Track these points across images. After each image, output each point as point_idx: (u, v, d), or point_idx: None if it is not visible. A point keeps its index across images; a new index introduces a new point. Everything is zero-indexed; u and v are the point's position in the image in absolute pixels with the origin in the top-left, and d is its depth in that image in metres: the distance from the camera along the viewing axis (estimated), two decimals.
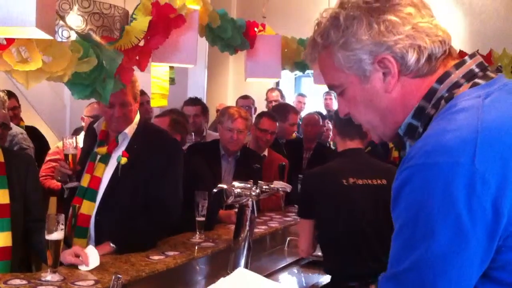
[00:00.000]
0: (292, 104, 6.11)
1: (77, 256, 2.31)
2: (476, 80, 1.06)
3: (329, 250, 2.72)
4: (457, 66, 1.09)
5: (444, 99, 1.06)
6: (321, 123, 5.27)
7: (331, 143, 6.29)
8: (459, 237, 0.91)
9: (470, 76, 1.07)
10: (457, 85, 1.07)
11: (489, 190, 0.90)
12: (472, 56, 1.11)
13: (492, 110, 0.98)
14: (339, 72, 1.14)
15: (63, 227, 2.21)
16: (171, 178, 2.75)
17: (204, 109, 4.86)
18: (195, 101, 4.77)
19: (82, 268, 2.29)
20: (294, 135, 5.41)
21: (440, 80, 1.08)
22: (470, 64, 1.09)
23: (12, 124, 3.93)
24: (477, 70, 1.08)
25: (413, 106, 1.10)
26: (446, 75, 1.08)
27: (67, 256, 2.30)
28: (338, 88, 1.17)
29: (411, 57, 1.07)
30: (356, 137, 2.71)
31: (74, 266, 2.31)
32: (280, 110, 4.97)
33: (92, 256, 2.32)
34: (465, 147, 0.93)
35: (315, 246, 2.78)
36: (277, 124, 4.24)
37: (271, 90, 6.48)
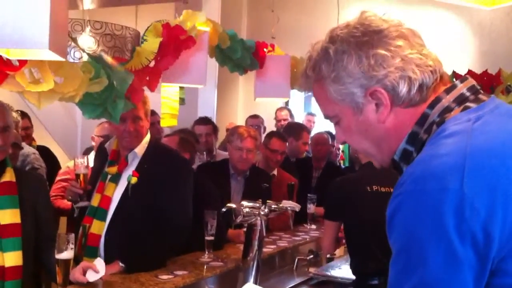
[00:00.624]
0: (301, 122, 6.14)
1: (85, 271, 2.32)
2: (467, 104, 1.07)
3: (354, 251, 2.91)
4: (448, 91, 1.09)
5: (435, 123, 1.07)
6: (330, 142, 5.28)
7: (341, 162, 6.30)
8: (451, 263, 0.91)
9: (461, 100, 1.08)
10: (448, 109, 1.07)
11: (478, 215, 0.90)
12: (463, 80, 1.12)
13: (481, 134, 0.99)
14: (332, 104, 1.15)
15: (73, 246, 2.23)
16: (180, 198, 2.76)
17: (215, 129, 4.89)
18: (206, 121, 4.80)
19: (90, 277, 2.30)
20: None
21: (432, 106, 1.09)
22: (461, 88, 1.10)
23: (24, 144, 3.97)
24: (468, 93, 1.09)
25: (406, 133, 1.11)
26: (437, 100, 1.09)
27: (76, 273, 2.31)
28: (333, 118, 1.19)
29: (402, 88, 1.08)
30: None
31: (83, 284, 2.32)
32: (294, 129, 5.02)
33: (99, 266, 2.33)
34: (453, 173, 0.93)
35: (336, 247, 3.10)
36: (287, 144, 4.26)
37: (280, 109, 6.51)
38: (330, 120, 1.21)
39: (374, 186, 2.84)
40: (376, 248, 2.69)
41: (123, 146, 2.81)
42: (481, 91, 1.11)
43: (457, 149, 0.96)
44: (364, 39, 1.09)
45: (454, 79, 1.17)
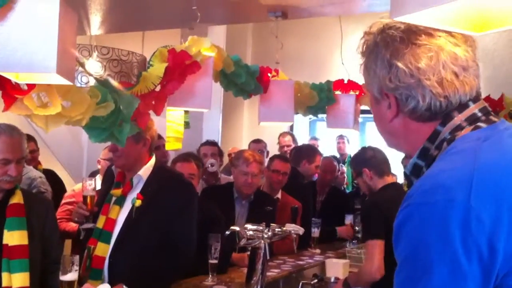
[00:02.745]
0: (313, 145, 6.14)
1: None
2: (478, 124, 1.10)
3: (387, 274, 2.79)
4: (460, 110, 1.12)
5: (446, 141, 1.10)
6: (337, 169, 5.29)
7: (345, 186, 6.29)
8: (456, 275, 0.92)
9: (472, 120, 1.11)
10: (459, 128, 1.10)
11: (484, 228, 0.92)
12: (475, 100, 1.14)
13: (489, 152, 1.01)
14: (369, 84, 1.23)
15: (77, 268, 2.24)
16: (185, 222, 2.77)
17: (220, 152, 4.93)
18: (212, 143, 4.84)
19: None
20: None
21: (443, 123, 1.12)
22: (473, 109, 1.12)
23: (30, 168, 4.01)
24: (479, 114, 1.12)
25: (418, 147, 1.15)
26: (449, 118, 1.12)
27: None
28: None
29: (409, 104, 1.13)
30: (390, 174, 3.02)
31: None
32: (309, 151, 5.08)
33: None
34: (461, 186, 0.95)
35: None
36: (289, 166, 4.28)
37: (283, 135, 6.52)
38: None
39: None
40: None
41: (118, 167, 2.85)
42: (492, 113, 1.14)
43: (465, 164, 0.99)
44: (397, 45, 1.13)
45: None
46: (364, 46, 1.20)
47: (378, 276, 2.78)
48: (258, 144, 5.77)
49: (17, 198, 2.46)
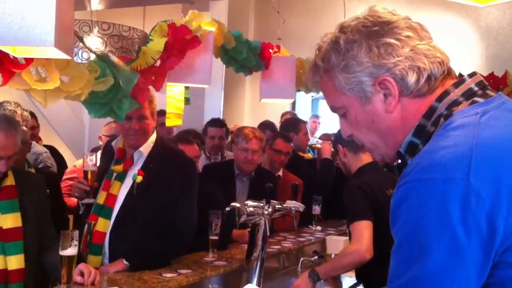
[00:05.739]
0: (307, 124, 6.14)
1: (82, 273, 2.31)
2: (475, 99, 1.08)
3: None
4: (456, 85, 1.11)
5: (443, 116, 1.08)
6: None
7: None
8: (454, 253, 0.91)
9: (469, 94, 1.09)
10: (456, 103, 1.09)
11: (484, 205, 0.91)
12: (471, 75, 1.13)
13: (488, 127, 1.00)
14: (340, 94, 1.16)
15: (77, 243, 2.24)
16: (185, 200, 2.77)
17: (227, 132, 4.92)
18: (219, 124, 4.81)
19: None
20: (309, 155, 5.42)
21: (440, 99, 1.10)
22: (469, 83, 1.11)
23: (35, 143, 4.00)
24: (476, 88, 1.10)
25: (413, 126, 1.12)
26: (445, 93, 1.10)
27: (74, 274, 2.31)
28: (340, 110, 1.20)
29: (411, 78, 1.09)
30: (366, 149, 2.70)
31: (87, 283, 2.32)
32: (291, 124, 5.08)
33: None
34: (459, 163, 0.94)
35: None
36: (291, 145, 4.27)
37: (285, 114, 6.51)
38: (336, 112, 1.21)
39: (390, 190, 2.71)
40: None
41: (129, 145, 2.82)
42: (489, 87, 1.13)
43: (464, 140, 0.97)
44: (374, 28, 1.10)
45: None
46: (332, 55, 1.14)
47: (368, 256, 2.61)
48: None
49: (9, 181, 2.45)
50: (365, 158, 2.88)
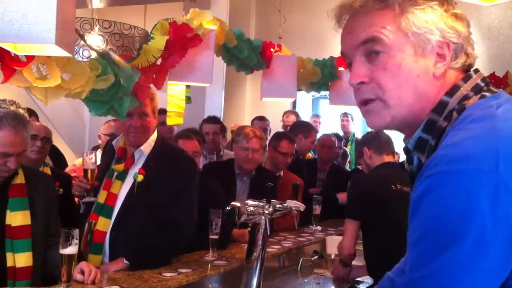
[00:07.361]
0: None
1: (82, 272, 2.31)
2: (484, 93, 1.09)
3: (373, 250, 2.94)
4: (465, 80, 1.12)
5: (455, 110, 1.07)
6: (337, 145, 5.28)
7: (348, 165, 6.28)
8: (481, 245, 0.90)
9: (477, 89, 1.10)
10: (466, 97, 1.09)
11: None
12: (476, 71, 1.14)
13: (505, 120, 1.00)
14: (396, 31, 1.11)
15: (77, 241, 2.23)
16: (186, 199, 2.76)
17: (223, 128, 4.91)
18: (214, 120, 4.83)
19: None
20: (310, 155, 5.42)
21: (450, 93, 1.10)
22: (476, 79, 1.12)
23: None
24: (482, 84, 1.12)
25: (424, 117, 1.11)
26: (456, 88, 1.11)
27: (75, 272, 2.31)
28: (377, 45, 1.11)
29: (460, 60, 1.12)
30: (391, 153, 3.09)
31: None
32: (304, 127, 5.11)
33: None
34: (487, 155, 0.93)
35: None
36: (295, 145, 4.27)
37: (287, 114, 6.51)
38: (371, 47, 1.12)
39: (398, 185, 2.91)
40: (394, 246, 2.66)
41: (130, 142, 2.81)
42: (490, 84, 1.14)
43: (488, 132, 0.97)
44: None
45: None
46: None
47: (346, 252, 3.00)
48: (261, 121, 5.76)
49: (20, 179, 2.47)
50: (387, 159, 3.09)
